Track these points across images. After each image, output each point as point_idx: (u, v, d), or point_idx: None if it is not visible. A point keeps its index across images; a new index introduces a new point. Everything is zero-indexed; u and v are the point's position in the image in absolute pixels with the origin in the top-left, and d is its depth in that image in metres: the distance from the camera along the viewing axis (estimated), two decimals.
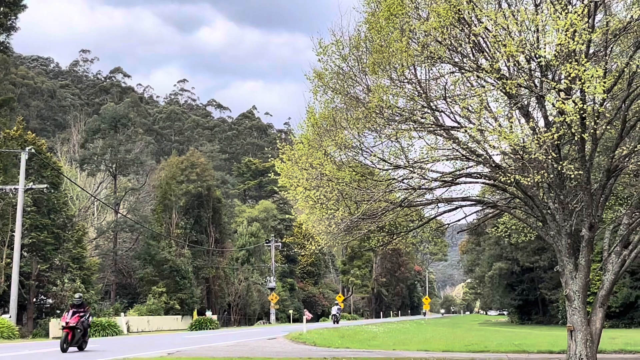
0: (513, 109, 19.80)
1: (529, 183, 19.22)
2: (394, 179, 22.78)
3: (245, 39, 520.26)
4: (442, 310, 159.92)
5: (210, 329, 61.59)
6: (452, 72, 20.24)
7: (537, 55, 17.85)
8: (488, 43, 18.69)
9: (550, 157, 18.63)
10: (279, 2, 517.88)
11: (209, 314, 70.45)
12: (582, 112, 17.33)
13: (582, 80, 16.61)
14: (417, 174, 21.80)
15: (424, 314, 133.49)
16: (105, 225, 79.58)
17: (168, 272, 71.69)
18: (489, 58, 18.48)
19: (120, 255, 79.40)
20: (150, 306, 68.27)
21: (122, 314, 60.89)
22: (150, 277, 71.99)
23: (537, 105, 20.20)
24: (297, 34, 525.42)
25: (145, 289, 72.79)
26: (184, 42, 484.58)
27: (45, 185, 51.59)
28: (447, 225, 28.30)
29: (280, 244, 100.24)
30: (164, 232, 74.42)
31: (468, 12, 18.35)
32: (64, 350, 27.78)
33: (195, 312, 71.06)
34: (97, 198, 78.25)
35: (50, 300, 56.97)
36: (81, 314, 28.87)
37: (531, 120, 19.93)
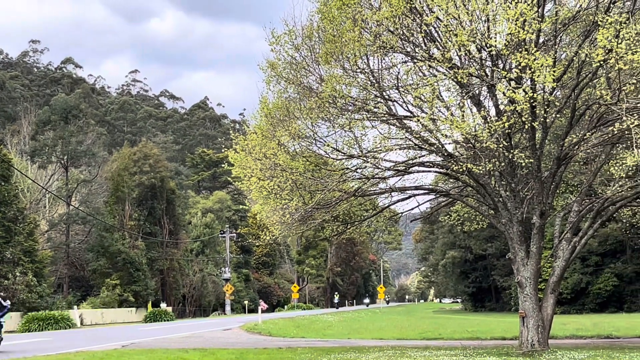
0: (465, 98, 19.98)
1: (481, 171, 19.44)
2: (348, 168, 22.89)
3: (195, 29, 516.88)
4: (366, 301, 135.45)
5: (165, 320, 61.29)
6: (405, 62, 20.36)
7: (487, 45, 18.01)
8: (440, 32, 18.81)
9: (501, 145, 18.84)
10: None
11: (163, 305, 70.06)
12: (532, 100, 17.55)
13: (532, 70, 16.81)
14: (371, 163, 21.91)
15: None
16: (57, 218, 78.29)
17: (122, 264, 70.95)
18: (440, 47, 18.60)
19: (72, 248, 78.27)
20: (104, 299, 67.52)
21: (75, 307, 60.16)
22: (104, 269, 71.15)
23: (488, 94, 20.41)
24: (247, 24, 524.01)
25: (99, 281, 71.93)
26: (134, 32, 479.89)
27: None
28: (400, 214, 28.56)
29: (234, 234, 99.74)
30: (117, 224, 73.66)
31: (420, 2, 18.45)
32: None
33: (149, 304, 70.45)
34: (48, 190, 77.05)
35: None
36: None
37: (482, 109, 20.15)
